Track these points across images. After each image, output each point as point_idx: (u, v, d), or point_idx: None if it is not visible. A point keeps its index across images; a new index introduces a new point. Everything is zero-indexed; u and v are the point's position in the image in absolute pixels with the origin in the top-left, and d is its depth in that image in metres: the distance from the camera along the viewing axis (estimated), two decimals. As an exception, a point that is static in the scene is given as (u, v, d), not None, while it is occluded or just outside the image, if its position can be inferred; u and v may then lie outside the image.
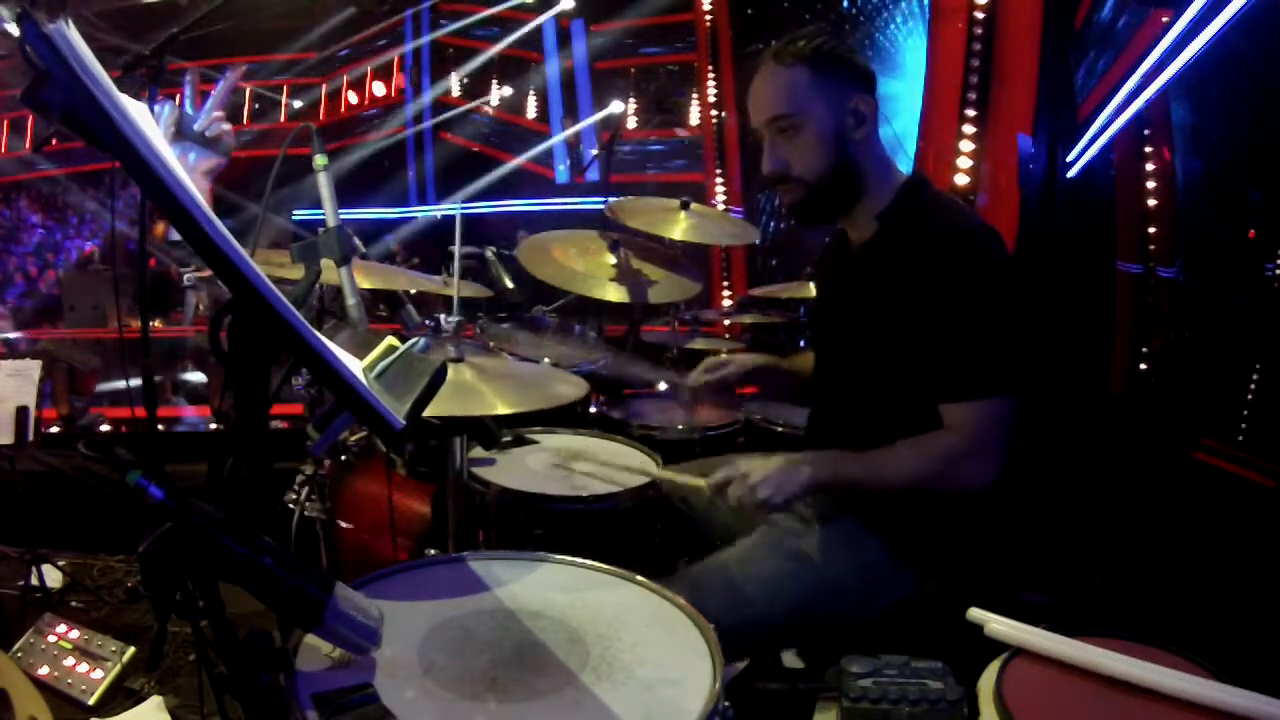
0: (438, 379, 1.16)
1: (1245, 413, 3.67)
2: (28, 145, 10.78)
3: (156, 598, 0.90)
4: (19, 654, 2.09)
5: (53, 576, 2.61)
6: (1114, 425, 3.99)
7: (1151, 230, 4.35)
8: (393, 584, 1.28)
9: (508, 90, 11.47)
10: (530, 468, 1.99)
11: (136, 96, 1.09)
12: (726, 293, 6.73)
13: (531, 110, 11.31)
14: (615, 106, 9.18)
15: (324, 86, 11.75)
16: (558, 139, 10.93)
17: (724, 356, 2.09)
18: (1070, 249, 3.93)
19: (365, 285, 2.12)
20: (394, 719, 0.95)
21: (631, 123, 9.50)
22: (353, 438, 2.42)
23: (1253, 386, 3.74)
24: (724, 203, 6.94)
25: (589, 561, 1.37)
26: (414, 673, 1.07)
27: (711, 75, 6.98)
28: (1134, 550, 3.03)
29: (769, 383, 2.11)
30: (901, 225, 1.69)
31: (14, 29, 0.74)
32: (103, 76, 0.81)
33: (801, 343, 4.15)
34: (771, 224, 6.95)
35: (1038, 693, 1.11)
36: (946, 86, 3.92)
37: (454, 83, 11.68)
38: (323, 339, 1.01)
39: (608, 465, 1.97)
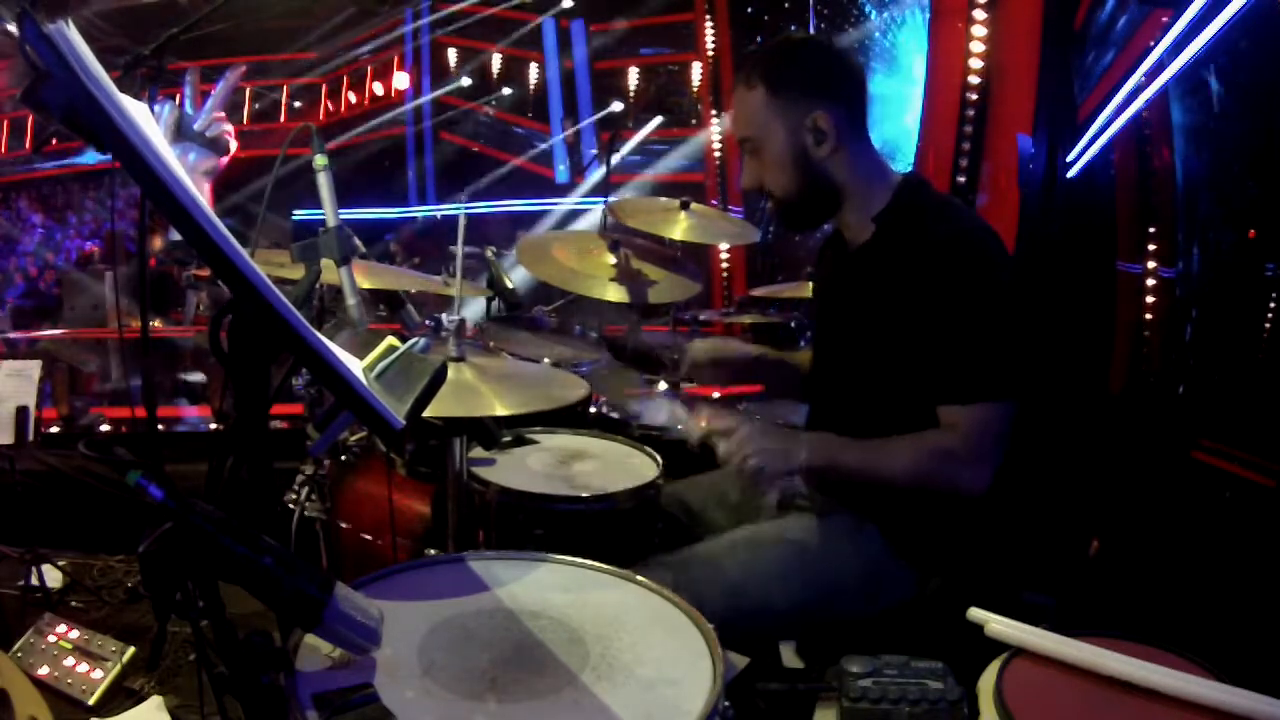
0: (438, 379, 1.16)
1: (1245, 413, 3.66)
2: (28, 145, 10.78)
3: (156, 598, 0.91)
4: (19, 654, 2.09)
5: (53, 576, 2.61)
6: (1114, 425, 3.99)
7: (1151, 230, 4.35)
8: (393, 584, 1.28)
9: (507, 90, 11.47)
10: (530, 468, 1.99)
11: (136, 96, 1.09)
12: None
13: (531, 110, 11.31)
14: (615, 106, 9.17)
15: (324, 86, 11.74)
16: (558, 139, 10.93)
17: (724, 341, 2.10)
18: (1070, 249, 3.93)
19: (365, 285, 2.11)
20: (394, 719, 0.95)
21: (632, 123, 9.49)
22: (353, 438, 2.42)
23: (1253, 386, 3.74)
24: (723, 203, 6.94)
25: (589, 561, 1.37)
26: (414, 673, 1.07)
27: (711, 76, 6.99)
28: (1134, 550, 3.03)
29: (771, 375, 2.11)
30: (899, 226, 1.69)
31: (14, 29, 0.75)
32: (103, 76, 0.81)
33: (802, 342, 4.14)
34: (771, 225, 6.95)
35: (1038, 693, 1.11)
36: (946, 86, 3.92)
37: (454, 83, 11.68)
38: (323, 339, 1.01)
39: (608, 465, 1.97)
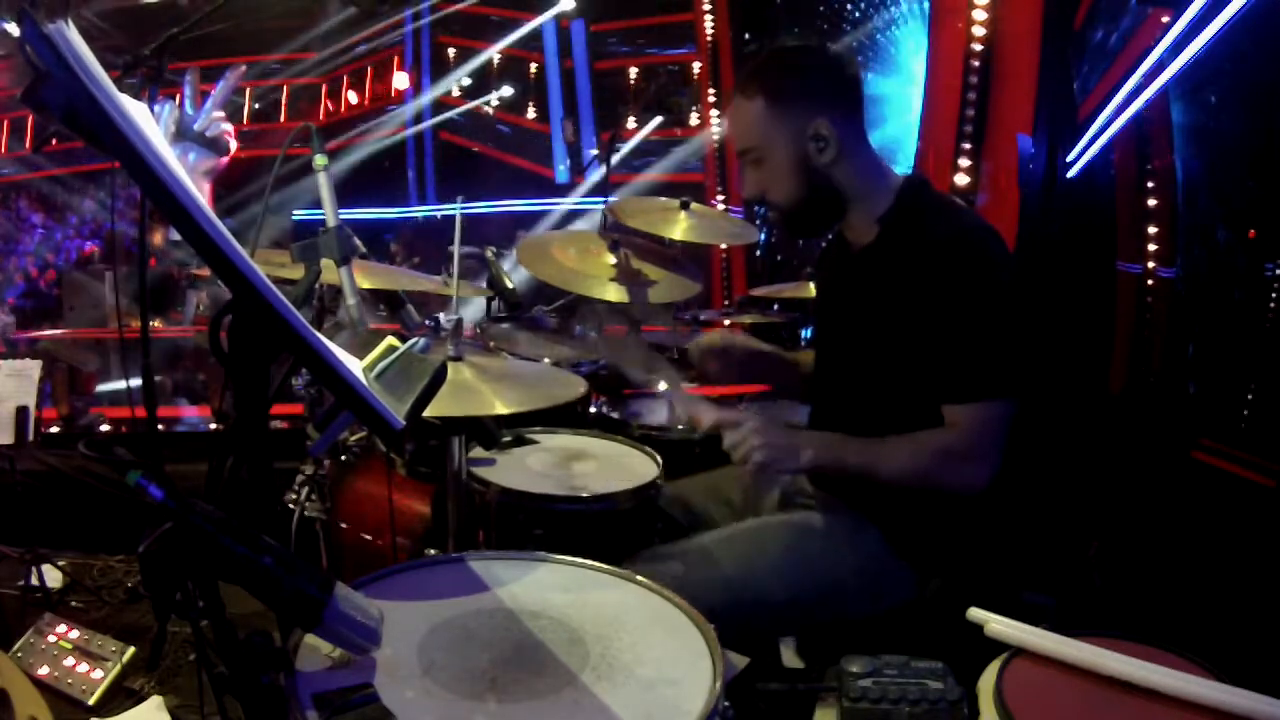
0: (438, 379, 1.16)
1: (1245, 413, 3.67)
2: (28, 145, 10.78)
3: (156, 598, 0.91)
4: (19, 654, 2.09)
5: (53, 576, 2.61)
6: (1114, 425, 3.99)
7: (1151, 230, 4.35)
8: (393, 584, 1.28)
9: (508, 90, 11.48)
10: (530, 468, 1.99)
11: (136, 96, 1.09)
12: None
13: (531, 110, 11.32)
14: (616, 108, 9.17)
15: (324, 86, 11.76)
16: (558, 139, 10.93)
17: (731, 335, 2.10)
18: (1070, 249, 3.93)
19: (365, 285, 2.11)
20: (394, 719, 0.95)
21: (631, 123, 9.50)
22: (353, 438, 2.42)
23: (1253, 386, 3.74)
24: (723, 203, 6.94)
25: (589, 561, 1.37)
26: (414, 673, 1.07)
27: (711, 75, 6.99)
28: (1134, 550, 3.03)
29: (776, 373, 2.11)
30: (902, 228, 1.69)
31: (14, 29, 0.75)
32: (103, 76, 0.81)
33: (804, 337, 4.16)
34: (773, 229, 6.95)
35: (1038, 693, 1.11)
36: (946, 87, 3.92)
37: (454, 83, 11.70)
38: (323, 339, 1.01)
39: (608, 465, 1.97)
